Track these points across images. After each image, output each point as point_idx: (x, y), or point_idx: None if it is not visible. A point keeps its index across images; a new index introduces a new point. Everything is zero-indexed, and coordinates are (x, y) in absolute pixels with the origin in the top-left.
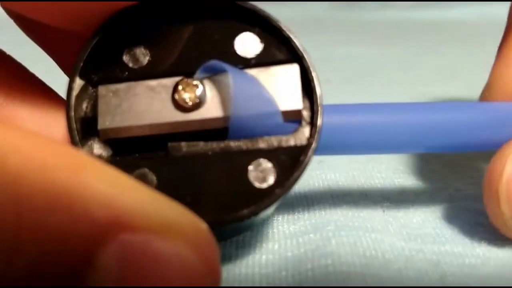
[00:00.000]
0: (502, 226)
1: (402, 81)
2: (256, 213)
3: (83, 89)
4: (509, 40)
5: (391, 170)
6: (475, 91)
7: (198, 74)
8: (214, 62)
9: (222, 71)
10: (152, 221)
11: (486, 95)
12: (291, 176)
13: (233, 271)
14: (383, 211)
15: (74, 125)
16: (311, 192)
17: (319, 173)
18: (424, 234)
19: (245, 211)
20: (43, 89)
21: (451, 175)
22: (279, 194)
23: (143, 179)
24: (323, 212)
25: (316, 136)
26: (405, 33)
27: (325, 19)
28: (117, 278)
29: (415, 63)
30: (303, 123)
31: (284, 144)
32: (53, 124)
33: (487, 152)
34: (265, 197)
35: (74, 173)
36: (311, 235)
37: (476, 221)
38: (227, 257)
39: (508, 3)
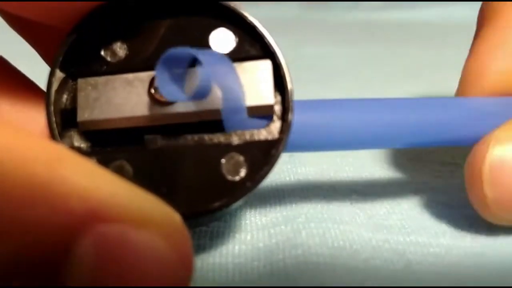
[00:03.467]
0: (484, 209)
1: (370, 79)
2: (227, 205)
3: (63, 82)
4: (481, 36)
5: (358, 164)
6: (439, 89)
7: (159, 67)
8: (176, 51)
9: (187, 57)
10: (128, 213)
11: (460, 91)
12: (262, 169)
13: (207, 260)
14: (351, 203)
15: (54, 119)
16: (282, 185)
17: (290, 167)
18: (390, 225)
19: (217, 203)
20: (24, 82)
21: (416, 169)
22: (250, 187)
23: (120, 170)
24: (293, 205)
25: (287, 131)
26: (373, 33)
27: (294, 20)
28: (93, 267)
29: (382, 62)
30: (275, 118)
31: (256, 138)
32: (35, 116)
33: (453, 147)
34: (237, 189)
35: (53, 166)
36: (282, 227)
37: (441, 213)
38: (201, 247)
39: (471, 4)
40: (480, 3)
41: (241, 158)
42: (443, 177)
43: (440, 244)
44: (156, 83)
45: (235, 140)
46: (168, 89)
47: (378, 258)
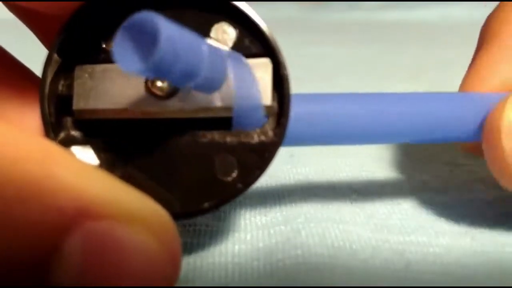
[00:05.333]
0: (501, 165)
1: (370, 79)
2: (217, 206)
3: (61, 69)
4: (483, 50)
5: (358, 164)
6: (440, 89)
7: (119, 32)
8: (141, 16)
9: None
10: (116, 210)
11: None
12: (254, 172)
13: (206, 260)
14: (351, 203)
15: (47, 111)
16: (282, 185)
17: (290, 167)
18: (390, 224)
19: (207, 204)
20: (25, 74)
21: (416, 168)
22: (241, 189)
23: (112, 163)
24: (293, 205)
25: (281, 134)
26: (371, 33)
27: (293, 20)
28: (80, 264)
29: (382, 62)
30: (271, 118)
31: (250, 139)
32: (35, 109)
33: (453, 145)
34: (227, 190)
35: (44, 164)
36: (282, 227)
37: (440, 213)
38: (200, 246)
39: (471, 4)
40: (478, 3)
41: (234, 159)
42: (443, 177)
43: (440, 244)
44: (113, 48)
45: (230, 140)
46: (123, 58)
47: (378, 258)
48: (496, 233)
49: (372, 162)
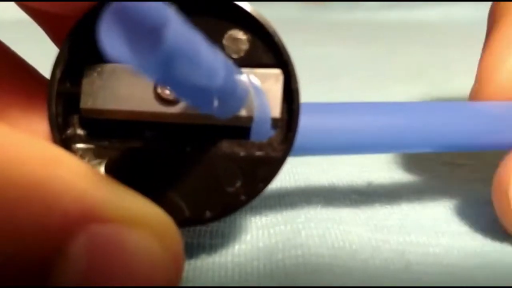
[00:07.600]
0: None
1: (370, 80)
2: (219, 217)
3: (69, 68)
4: (493, 34)
5: (359, 164)
6: (440, 89)
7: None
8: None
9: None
10: (121, 214)
11: (476, 88)
12: (258, 184)
13: (207, 260)
14: (351, 203)
15: (55, 116)
16: (282, 185)
17: (290, 167)
18: (390, 225)
19: (209, 214)
20: (27, 74)
21: (416, 169)
22: (244, 201)
23: (116, 164)
24: (293, 205)
25: (288, 150)
26: (373, 33)
27: (295, 20)
28: (85, 266)
29: (382, 62)
30: (279, 131)
31: (257, 150)
32: (38, 110)
33: None
34: (230, 201)
35: (49, 167)
36: (282, 227)
37: (440, 213)
38: (201, 247)
39: (472, 4)
40: (480, 3)
41: (238, 170)
42: (443, 177)
43: (440, 244)
44: (100, 34)
45: (236, 149)
46: (110, 44)
47: (378, 258)
48: (496, 233)
49: (372, 162)
